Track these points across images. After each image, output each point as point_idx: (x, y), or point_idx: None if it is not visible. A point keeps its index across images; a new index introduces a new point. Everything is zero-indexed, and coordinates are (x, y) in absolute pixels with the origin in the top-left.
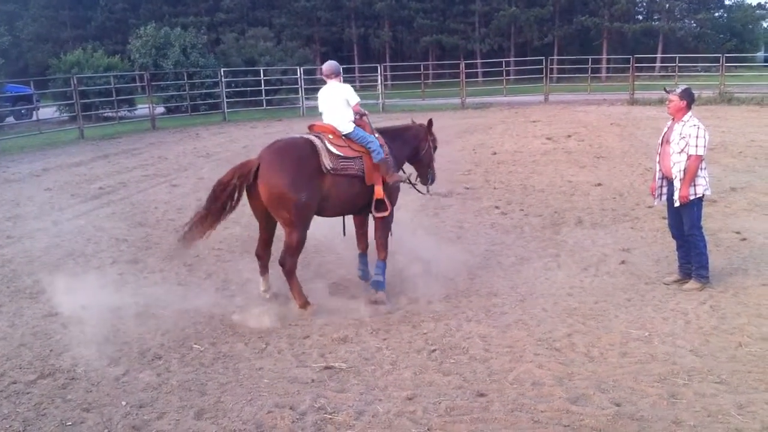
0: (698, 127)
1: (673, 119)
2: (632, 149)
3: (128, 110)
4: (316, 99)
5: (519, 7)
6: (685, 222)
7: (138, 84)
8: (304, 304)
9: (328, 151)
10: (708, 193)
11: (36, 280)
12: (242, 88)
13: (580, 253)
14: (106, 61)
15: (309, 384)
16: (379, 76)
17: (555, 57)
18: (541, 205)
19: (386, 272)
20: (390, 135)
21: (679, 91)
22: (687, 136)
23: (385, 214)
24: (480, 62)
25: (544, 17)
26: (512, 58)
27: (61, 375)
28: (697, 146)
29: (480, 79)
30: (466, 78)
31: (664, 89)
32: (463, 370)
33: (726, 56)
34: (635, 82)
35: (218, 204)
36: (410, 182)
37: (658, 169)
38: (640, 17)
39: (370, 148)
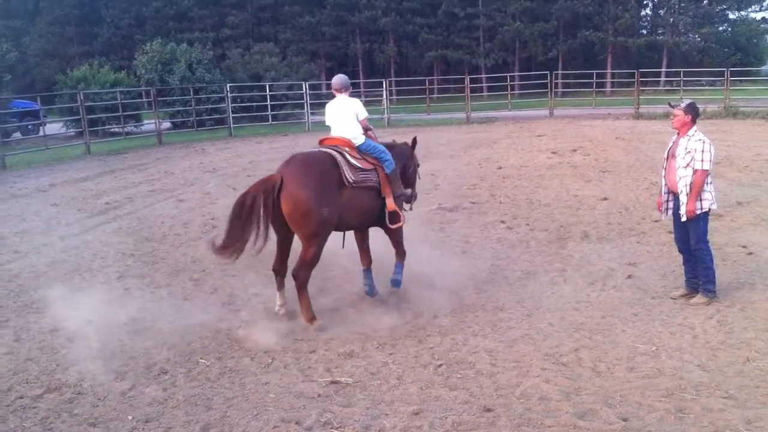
0: (704, 142)
1: (679, 134)
2: (638, 163)
3: (135, 125)
4: (321, 114)
5: (523, 22)
6: (692, 236)
7: (144, 99)
8: (311, 319)
9: (349, 163)
10: (714, 207)
11: (43, 295)
12: (248, 104)
13: (586, 267)
14: (113, 76)
15: (315, 399)
16: (384, 91)
17: (560, 71)
18: (547, 219)
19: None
20: None
21: (683, 105)
22: (692, 151)
23: (400, 224)
24: (485, 77)
25: (548, 32)
26: (517, 73)
27: (67, 390)
28: (702, 161)
29: (485, 93)
30: (470, 92)
31: (669, 104)
32: (470, 384)
33: (731, 70)
34: (640, 97)
35: (242, 220)
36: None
37: (663, 183)
38: (645, 32)
39: (382, 158)
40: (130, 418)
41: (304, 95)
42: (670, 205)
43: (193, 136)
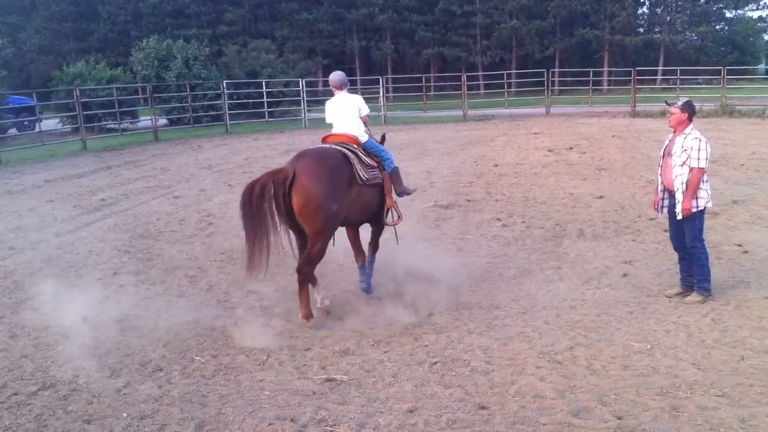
0: (700, 140)
1: (675, 132)
2: (634, 161)
3: (131, 122)
4: (318, 111)
5: (520, 20)
6: (687, 234)
7: (140, 96)
8: (307, 315)
9: (361, 161)
10: (710, 205)
11: (38, 292)
12: (244, 100)
13: (582, 265)
14: (109, 73)
15: (310, 396)
16: (380, 88)
17: (556, 69)
18: (542, 217)
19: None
20: None
21: (680, 103)
22: (689, 149)
23: (399, 222)
24: (481, 74)
25: (545, 30)
26: (514, 71)
27: (62, 386)
28: (699, 159)
29: (482, 91)
30: (467, 90)
31: (666, 102)
32: (465, 382)
33: (727, 69)
34: (636, 95)
35: (253, 208)
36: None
37: (659, 181)
38: (641, 30)
39: (383, 157)
40: (125, 415)
41: (301, 92)
42: (666, 203)
43: (189, 133)
